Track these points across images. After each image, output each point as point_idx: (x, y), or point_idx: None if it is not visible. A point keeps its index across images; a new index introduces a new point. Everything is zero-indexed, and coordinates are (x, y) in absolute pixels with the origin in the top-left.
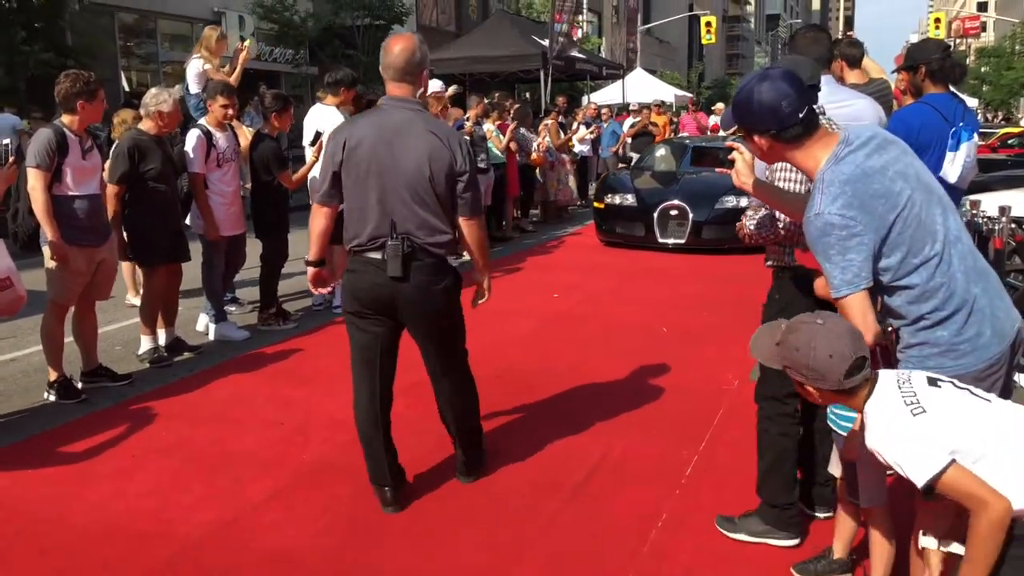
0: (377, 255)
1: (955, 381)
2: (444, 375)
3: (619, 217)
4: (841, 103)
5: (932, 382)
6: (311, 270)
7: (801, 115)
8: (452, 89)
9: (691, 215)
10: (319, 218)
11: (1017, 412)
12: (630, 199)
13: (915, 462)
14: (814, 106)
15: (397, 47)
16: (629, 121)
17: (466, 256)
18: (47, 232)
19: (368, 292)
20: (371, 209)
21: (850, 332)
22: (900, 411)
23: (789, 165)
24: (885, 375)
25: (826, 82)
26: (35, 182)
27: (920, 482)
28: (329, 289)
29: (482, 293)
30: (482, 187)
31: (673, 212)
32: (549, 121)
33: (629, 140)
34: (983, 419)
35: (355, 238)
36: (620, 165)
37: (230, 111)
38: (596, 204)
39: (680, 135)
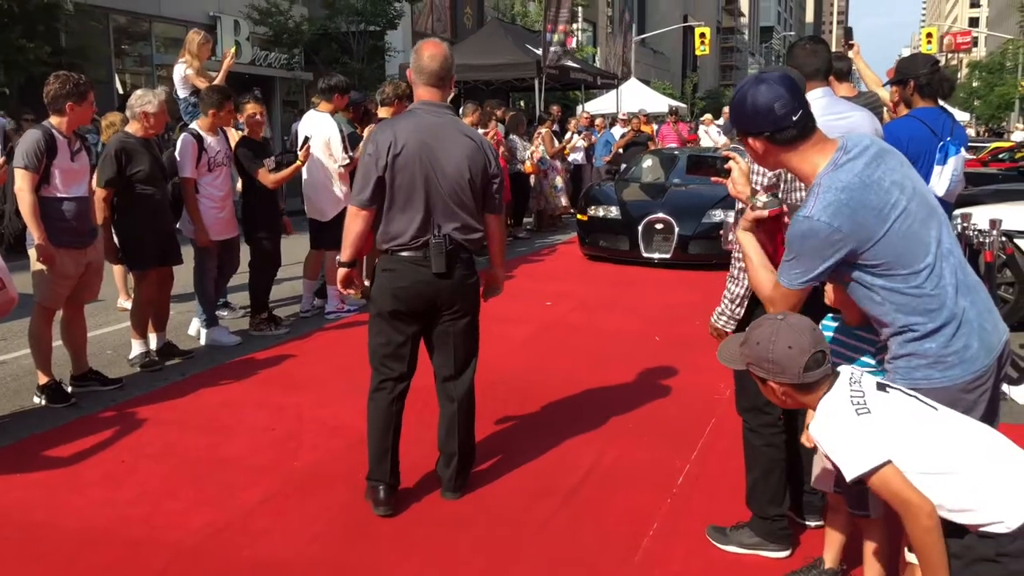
0: (419, 253)
1: (904, 388)
2: (464, 379)
3: (603, 230)
4: (839, 115)
5: (881, 387)
6: (343, 271)
7: (795, 118)
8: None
9: (677, 229)
10: (358, 221)
11: (961, 421)
12: (614, 211)
13: (848, 457)
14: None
15: (430, 52)
16: (619, 131)
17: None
18: (33, 234)
19: (409, 290)
20: (415, 210)
21: (811, 328)
22: (845, 407)
23: (792, 177)
24: (842, 371)
25: (824, 94)
26: (22, 183)
27: (849, 476)
28: (349, 291)
29: (496, 288)
30: None
31: (658, 226)
32: (543, 130)
33: (620, 151)
34: (929, 427)
35: (396, 238)
36: (605, 175)
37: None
38: (579, 216)
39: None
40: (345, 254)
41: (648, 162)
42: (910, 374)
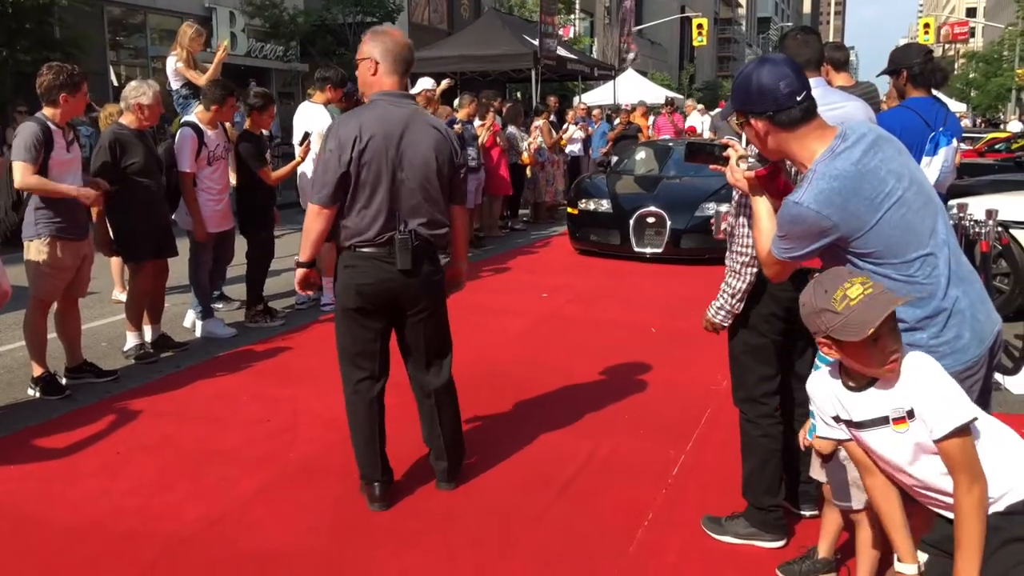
0: (383, 250)
1: None
2: (438, 373)
3: (593, 224)
4: (833, 105)
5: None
6: (301, 271)
7: (799, 99)
8: (444, 83)
9: (669, 223)
10: (320, 221)
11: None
12: (605, 205)
13: (951, 404)
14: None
15: (399, 38)
16: (601, 126)
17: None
18: (60, 191)
19: (374, 287)
20: (380, 205)
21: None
22: (933, 361)
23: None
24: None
25: (818, 84)
26: (22, 175)
27: (949, 426)
28: (308, 293)
29: (459, 283)
30: (472, 185)
31: (650, 219)
32: (541, 121)
33: (611, 143)
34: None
35: (360, 234)
36: (597, 168)
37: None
38: (569, 210)
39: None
40: (304, 254)
41: (641, 154)
42: None
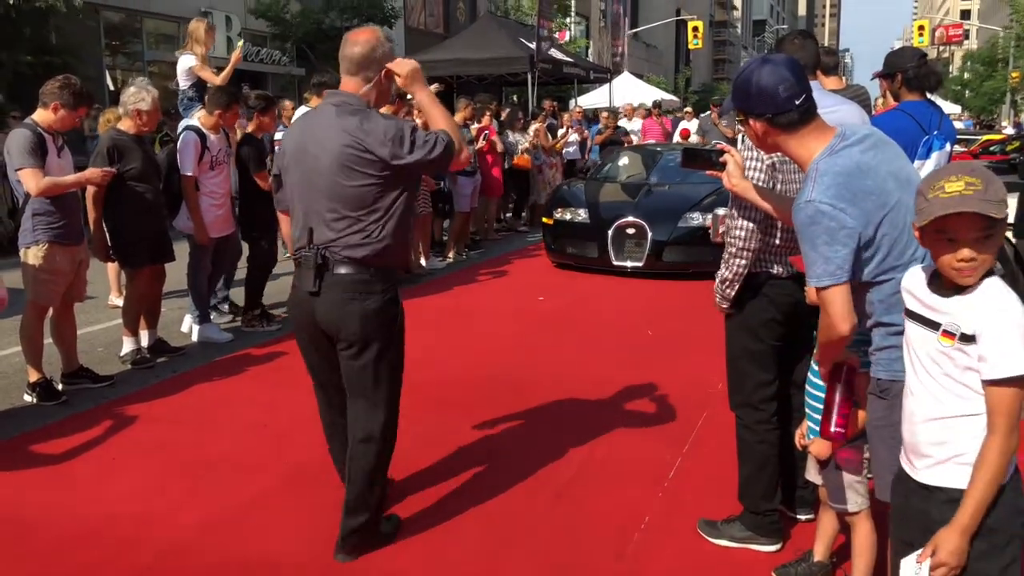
0: (299, 268)
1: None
2: (355, 421)
3: (570, 235)
4: (827, 109)
5: None
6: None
7: (798, 102)
8: (433, 87)
9: (650, 234)
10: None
11: None
12: (582, 215)
13: (1018, 351)
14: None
15: (349, 37)
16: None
17: (451, 258)
18: (67, 181)
19: (294, 308)
20: (297, 217)
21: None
22: (1022, 306)
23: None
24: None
25: (814, 88)
26: (35, 180)
27: (1009, 372)
28: None
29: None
30: (467, 189)
31: (630, 230)
32: (538, 125)
33: (598, 148)
34: None
35: (295, 248)
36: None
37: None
38: (544, 220)
39: (646, 142)
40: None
41: (624, 160)
42: (891, 366)
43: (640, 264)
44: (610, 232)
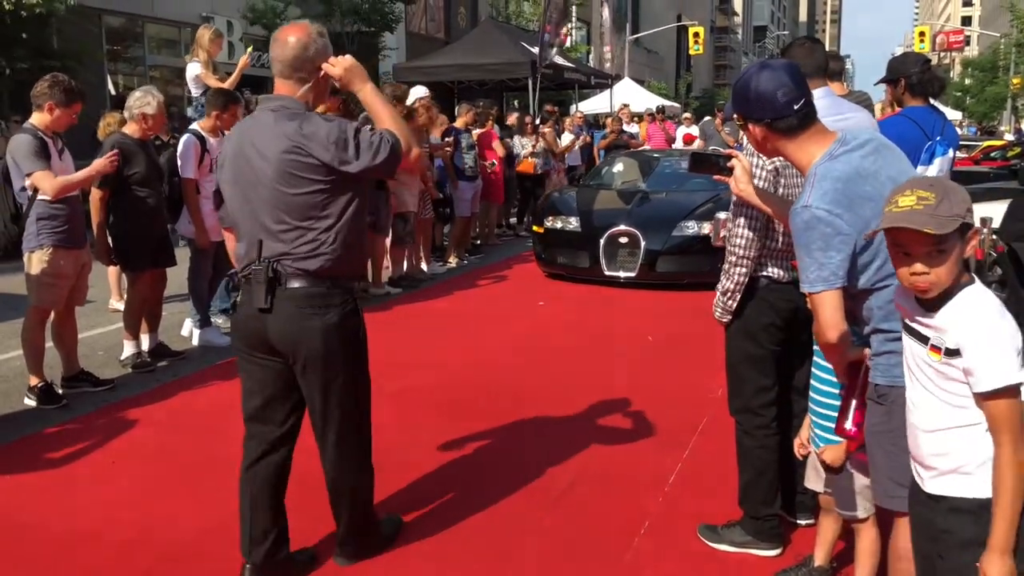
0: (248, 283)
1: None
2: (327, 437)
3: (561, 244)
4: (843, 116)
5: None
6: None
7: (797, 107)
8: (417, 91)
9: (644, 243)
10: (230, 240)
11: None
12: (573, 223)
13: (1000, 363)
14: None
15: (278, 36)
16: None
17: (452, 263)
18: (79, 177)
19: (243, 325)
20: (244, 230)
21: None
22: (1001, 314)
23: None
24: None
25: (825, 94)
26: (48, 182)
27: (994, 384)
28: None
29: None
30: (468, 194)
31: (623, 239)
32: (546, 130)
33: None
34: None
35: (241, 264)
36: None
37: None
38: (535, 228)
39: (643, 147)
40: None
41: (619, 166)
42: (889, 371)
43: (633, 275)
44: (602, 241)
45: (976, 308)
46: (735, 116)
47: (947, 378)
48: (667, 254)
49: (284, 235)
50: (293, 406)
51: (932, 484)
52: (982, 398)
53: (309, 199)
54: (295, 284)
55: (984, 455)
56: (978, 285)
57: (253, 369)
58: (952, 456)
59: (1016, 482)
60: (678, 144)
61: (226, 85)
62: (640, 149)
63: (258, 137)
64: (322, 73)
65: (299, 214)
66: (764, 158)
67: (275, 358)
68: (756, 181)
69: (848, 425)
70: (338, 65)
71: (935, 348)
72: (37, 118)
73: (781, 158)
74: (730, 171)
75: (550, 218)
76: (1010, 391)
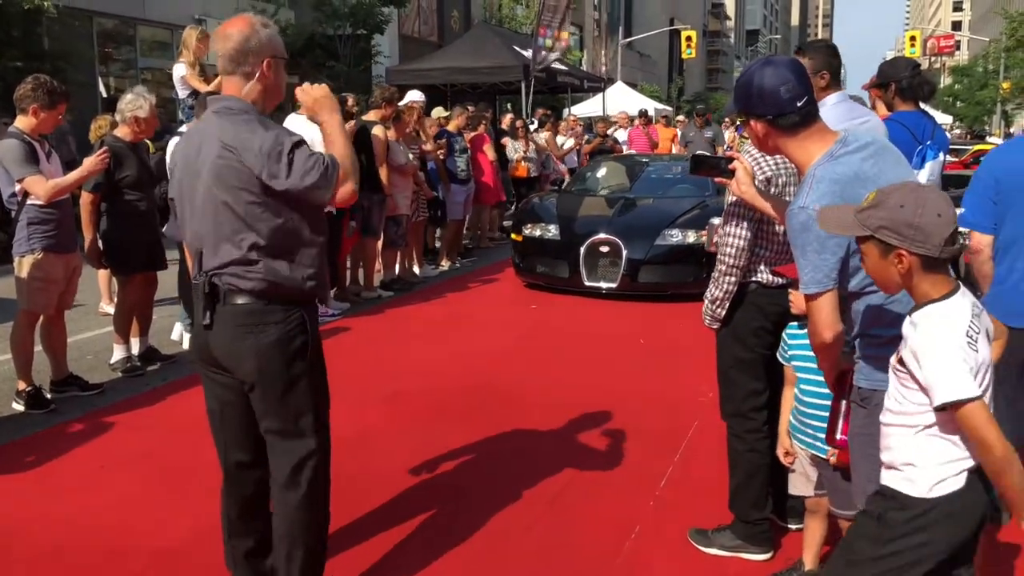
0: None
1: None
2: (278, 469)
3: (539, 253)
4: (863, 119)
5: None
6: None
7: (800, 104)
8: (412, 95)
9: (625, 252)
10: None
11: None
12: (552, 231)
13: (950, 380)
14: (814, 98)
15: (227, 30)
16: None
17: (444, 266)
18: (71, 179)
19: (194, 340)
20: (187, 239)
21: (951, 201)
22: (960, 332)
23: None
24: (965, 294)
25: (842, 99)
26: (40, 186)
27: (943, 399)
28: None
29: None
30: (460, 197)
31: (603, 248)
32: (547, 133)
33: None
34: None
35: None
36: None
37: None
38: (514, 236)
39: (628, 152)
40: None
41: (602, 171)
42: (872, 375)
43: (614, 285)
44: (582, 250)
45: (929, 322)
46: (736, 113)
47: (897, 380)
48: (650, 264)
49: (219, 247)
50: (253, 422)
51: (884, 476)
52: (940, 410)
53: (241, 210)
54: (236, 300)
55: (912, 456)
56: (950, 301)
57: (210, 384)
58: (892, 452)
59: (1004, 466)
60: (675, 149)
61: (211, 87)
62: (624, 153)
63: (202, 141)
64: (266, 63)
65: (231, 226)
66: (762, 162)
67: (227, 373)
68: (759, 173)
69: (839, 435)
70: (309, 93)
71: (897, 358)
72: (22, 122)
73: (772, 167)
74: (731, 173)
75: (528, 225)
76: (960, 404)
